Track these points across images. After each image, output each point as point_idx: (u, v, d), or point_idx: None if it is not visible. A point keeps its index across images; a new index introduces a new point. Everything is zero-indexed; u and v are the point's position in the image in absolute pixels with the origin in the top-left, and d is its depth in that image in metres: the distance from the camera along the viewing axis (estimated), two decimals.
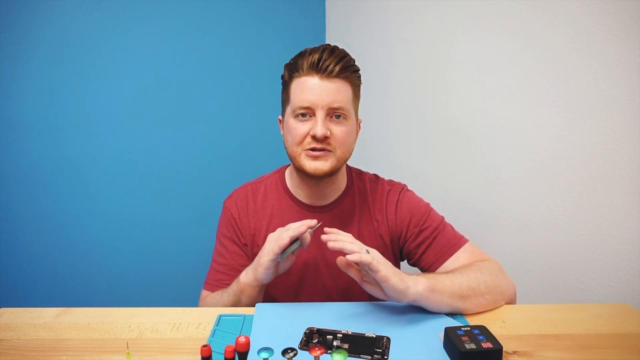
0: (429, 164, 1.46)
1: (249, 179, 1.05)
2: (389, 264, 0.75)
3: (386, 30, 1.64)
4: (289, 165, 1.01)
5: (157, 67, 1.85)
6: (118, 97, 1.82)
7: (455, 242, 0.92)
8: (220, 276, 0.96)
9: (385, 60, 1.65)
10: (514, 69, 1.11)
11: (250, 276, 0.83)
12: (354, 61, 0.89)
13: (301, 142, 0.87)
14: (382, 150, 1.73)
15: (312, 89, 0.85)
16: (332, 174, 0.89)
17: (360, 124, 0.98)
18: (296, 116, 0.87)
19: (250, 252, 0.97)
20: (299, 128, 0.87)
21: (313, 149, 0.86)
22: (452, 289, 0.76)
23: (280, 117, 0.97)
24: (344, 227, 0.95)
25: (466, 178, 1.30)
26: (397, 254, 0.99)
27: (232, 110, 1.98)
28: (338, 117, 0.87)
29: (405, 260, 1.01)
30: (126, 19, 1.78)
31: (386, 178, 1.03)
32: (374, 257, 0.71)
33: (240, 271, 0.87)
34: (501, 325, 0.75)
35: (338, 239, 0.75)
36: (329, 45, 0.88)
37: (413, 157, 1.55)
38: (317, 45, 0.88)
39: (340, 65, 0.85)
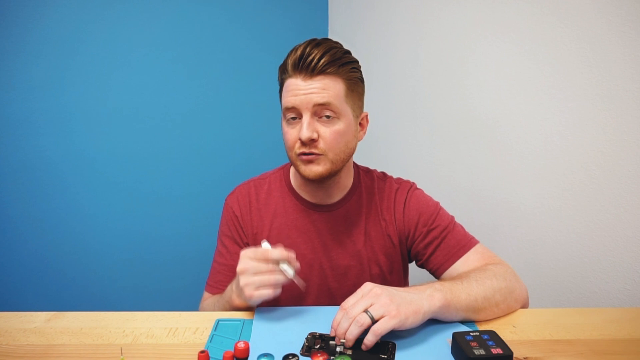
0: (438, 161, 1.45)
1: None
2: (392, 295, 0.67)
3: (391, 25, 1.63)
4: None
5: (157, 64, 1.83)
6: (115, 95, 1.79)
7: (466, 243, 0.89)
8: (220, 277, 0.94)
9: (391, 56, 1.64)
10: (524, 66, 1.09)
11: (240, 300, 0.77)
12: (346, 52, 0.85)
13: (292, 147, 0.84)
14: (389, 147, 1.71)
15: (294, 90, 0.82)
16: (329, 176, 0.86)
17: (367, 117, 0.93)
18: (287, 120, 0.85)
19: None
20: (288, 133, 0.85)
21: (303, 154, 0.83)
22: (468, 302, 0.73)
23: None
24: (351, 227, 0.93)
25: (475, 176, 1.28)
26: (405, 255, 0.97)
27: (233, 108, 1.97)
28: (328, 117, 0.82)
29: (414, 262, 0.98)
30: (131, 14, 1.76)
31: (394, 176, 1.00)
32: (378, 326, 0.64)
33: None
34: (511, 330, 0.73)
35: (349, 339, 0.65)
36: (315, 39, 0.83)
37: (421, 154, 1.53)
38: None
39: (325, 59, 0.80)
